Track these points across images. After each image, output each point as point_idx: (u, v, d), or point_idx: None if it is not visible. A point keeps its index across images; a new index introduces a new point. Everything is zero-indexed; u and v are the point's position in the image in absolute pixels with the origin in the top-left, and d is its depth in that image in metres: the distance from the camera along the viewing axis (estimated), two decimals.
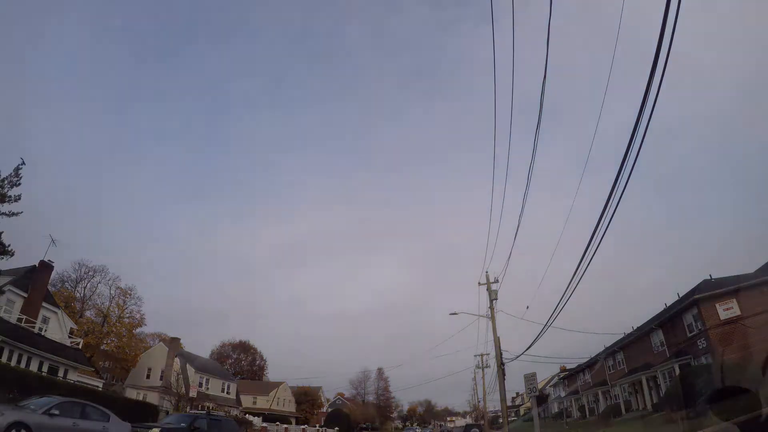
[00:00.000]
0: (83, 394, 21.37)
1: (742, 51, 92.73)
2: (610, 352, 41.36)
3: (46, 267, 30.55)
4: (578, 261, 11.42)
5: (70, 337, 32.51)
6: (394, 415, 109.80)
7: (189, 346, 53.39)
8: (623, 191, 8.12)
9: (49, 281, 33.26)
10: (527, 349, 24.72)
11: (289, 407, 68.88)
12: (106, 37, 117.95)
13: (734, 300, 24.81)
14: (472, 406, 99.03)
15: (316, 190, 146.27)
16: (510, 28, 9.03)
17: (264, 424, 38.55)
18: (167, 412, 30.58)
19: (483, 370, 51.43)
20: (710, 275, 28.55)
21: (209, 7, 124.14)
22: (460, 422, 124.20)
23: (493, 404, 73.73)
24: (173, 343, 45.11)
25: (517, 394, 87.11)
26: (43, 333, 29.06)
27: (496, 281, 26.86)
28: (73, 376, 29.14)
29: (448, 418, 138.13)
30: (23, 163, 20.88)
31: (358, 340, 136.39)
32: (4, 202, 20.09)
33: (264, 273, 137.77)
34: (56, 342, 29.52)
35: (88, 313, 45.93)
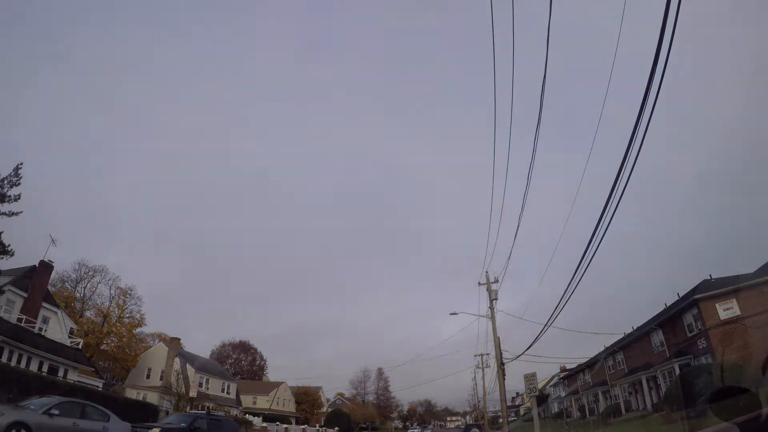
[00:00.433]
0: (83, 394, 21.39)
1: (743, 50, 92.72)
2: (610, 352, 41.36)
3: (46, 267, 30.56)
4: (578, 261, 11.43)
5: (70, 337, 32.51)
6: (394, 415, 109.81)
7: (189, 346, 53.45)
8: (623, 191, 8.12)
9: (49, 281, 33.27)
10: (527, 349, 24.72)
11: (289, 407, 68.88)
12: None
13: (734, 300, 24.81)
14: (472, 406, 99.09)
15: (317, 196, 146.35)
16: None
17: (264, 424, 38.54)
18: (167, 412, 30.58)
19: (483, 370, 51.49)
20: (710, 275, 28.56)
21: None
22: (454, 422, 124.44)
23: (493, 404, 73.80)
24: (173, 343, 45.12)
25: (517, 394, 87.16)
26: (43, 333, 29.07)
27: (496, 281, 26.89)
28: (73, 376, 29.15)
29: (448, 418, 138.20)
30: (22, 164, 20.92)
31: (358, 340, 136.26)
32: (4, 202, 20.11)
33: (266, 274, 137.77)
34: (56, 342, 29.53)
35: (88, 313, 45.96)
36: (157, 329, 56.71)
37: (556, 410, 58.83)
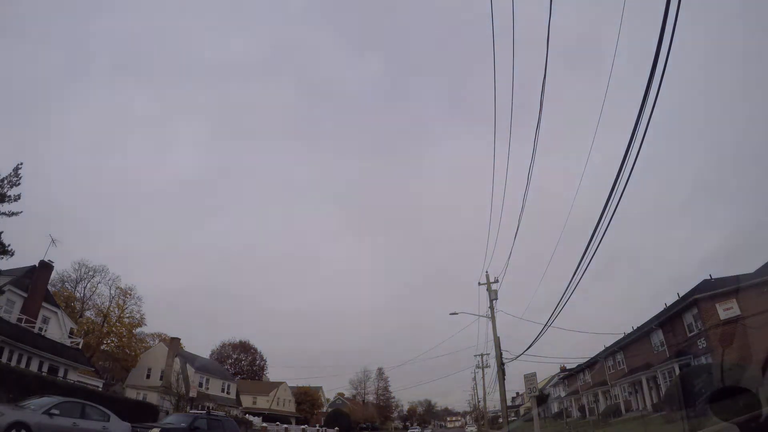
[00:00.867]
0: (83, 394, 21.38)
1: (743, 48, 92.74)
2: (610, 352, 41.36)
3: (46, 267, 30.57)
4: (578, 260, 11.43)
5: (70, 337, 32.52)
6: (394, 415, 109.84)
7: (189, 346, 53.42)
8: (623, 191, 8.12)
9: (49, 281, 33.28)
10: (527, 349, 24.72)
11: (289, 407, 68.87)
12: None
13: (734, 300, 24.78)
14: (472, 406, 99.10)
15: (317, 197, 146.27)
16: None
17: (264, 424, 38.55)
18: (167, 412, 30.58)
19: (483, 370, 51.52)
20: (710, 275, 28.54)
21: None
22: (454, 422, 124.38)
23: (493, 404, 73.82)
24: (173, 343, 45.14)
25: (517, 394, 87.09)
26: (43, 333, 29.08)
27: (496, 281, 26.86)
28: (73, 376, 29.16)
29: (448, 418, 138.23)
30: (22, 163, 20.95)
31: (358, 340, 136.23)
32: (4, 202, 20.13)
33: (266, 275, 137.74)
34: (56, 342, 29.54)
35: (88, 313, 45.94)
36: (157, 329, 56.72)
37: (556, 410, 58.83)
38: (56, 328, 31.43)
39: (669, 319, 30.50)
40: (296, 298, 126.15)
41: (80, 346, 33.27)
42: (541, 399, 51.67)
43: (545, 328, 18.48)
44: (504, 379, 26.02)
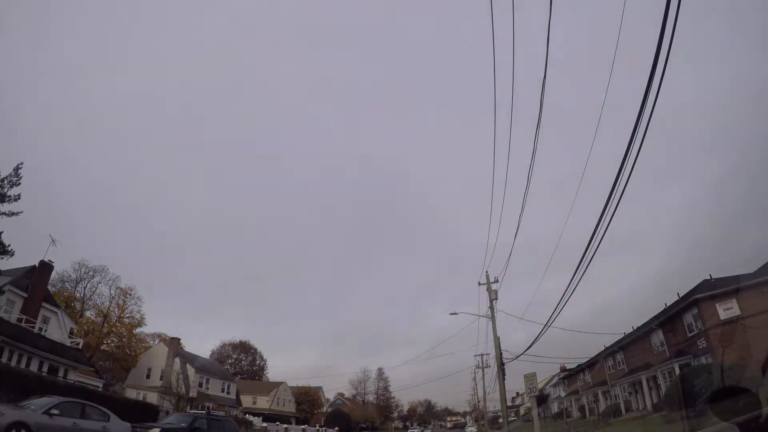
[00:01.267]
0: (83, 394, 21.36)
1: (743, 48, 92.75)
2: (610, 352, 41.37)
3: (46, 267, 30.57)
4: (578, 260, 11.44)
5: (70, 337, 32.52)
6: (394, 415, 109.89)
7: (189, 346, 53.47)
8: (623, 191, 8.13)
9: (49, 281, 33.28)
10: (527, 349, 24.75)
11: (289, 407, 68.89)
12: None
13: (734, 300, 24.80)
14: (472, 406, 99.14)
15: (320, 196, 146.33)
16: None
17: (264, 424, 38.56)
18: (167, 412, 30.58)
19: (483, 370, 51.55)
20: (710, 275, 28.54)
21: None
22: (454, 422, 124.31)
23: (493, 404, 73.89)
24: (173, 343, 45.15)
25: (517, 394, 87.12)
26: (43, 333, 29.08)
27: (496, 281, 26.88)
28: (73, 376, 29.16)
29: (448, 418, 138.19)
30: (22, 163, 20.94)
31: (358, 340, 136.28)
32: (4, 202, 20.12)
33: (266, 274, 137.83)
34: (56, 342, 29.53)
35: (88, 313, 45.96)
36: (157, 329, 56.75)
37: (556, 410, 58.84)
38: (56, 328, 31.43)
39: (669, 319, 30.51)
40: (297, 297, 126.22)
41: (80, 346, 33.26)
42: (541, 399, 51.75)
43: (545, 328, 18.51)
44: (504, 379, 26.03)
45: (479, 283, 28.13)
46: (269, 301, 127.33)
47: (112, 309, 46.36)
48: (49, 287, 33.63)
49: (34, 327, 28.06)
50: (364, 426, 76.36)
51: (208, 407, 37.51)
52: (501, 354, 25.80)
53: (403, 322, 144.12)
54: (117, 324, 45.48)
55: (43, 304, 29.93)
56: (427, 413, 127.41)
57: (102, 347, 44.67)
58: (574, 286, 12.83)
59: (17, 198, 20.50)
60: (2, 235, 20.00)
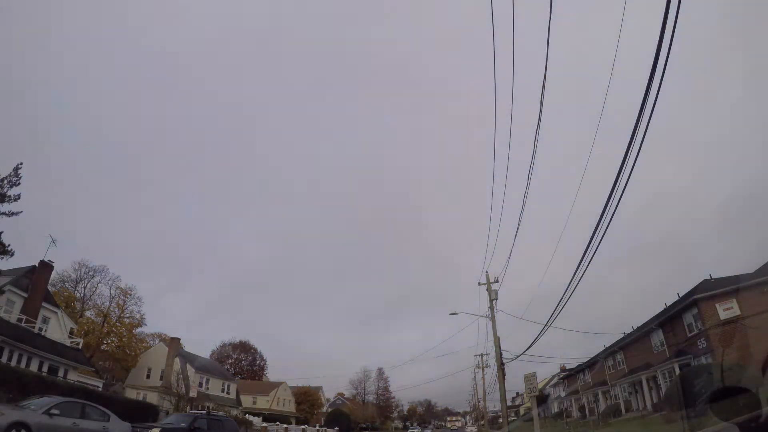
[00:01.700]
0: (83, 394, 21.39)
1: (744, 48, 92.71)
2: (610, 352, 41.39)
3: (46, 267, 30.58)
4: (579, 261, 11.44)
5: (70, 337, 32.53)
6: (394, 415, 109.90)
7: (189, 346, 53.42)
8: (623, 191, 8.13)
9: (49, 281, 33.29)
10: (527, 349, 24.74)
11: (289, 407, 68.90)
12: None
13: (734, 300, 24.82)
14: (472, 406, 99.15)
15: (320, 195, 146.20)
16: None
17: (264, 424, 38.56)
18: (167, 412, 30.58)
19: (483, 370, 51.52)
20: (710, 275, 28.55)
21: None
22: (454, 422, 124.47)
23: (493, 404, 73.85)
24: (173, 343, 45.13)
25: (517, 394, 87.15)
26: (43, 333, 29.08)
27: (496, 281, 26.87)
28: (73, 376, 29.16)
29: (448, 418, 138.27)
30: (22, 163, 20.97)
31: (358, 340, 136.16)
32: (4, 202, 20.16)
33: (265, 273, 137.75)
34: (56, 342, 29.55)
35: (88, 313, 45.95)
36: (157, 329, 56.75)
37: (556, 410, 58.87)
38: (56, 328, 31.44)
39: (669, 319, 30.52)
40: (296, 296, 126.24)
41: (80, 346, 33.26)
42: (541, 399, 51.71)
43: (545, 328, 18.50)
44: (504, 379, 26.03)
45: (479, 283, 28.15)
46: (270, 301, 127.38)
47: (112, 309, 46.39)
48: (49, 287, 33.64)
49: (34, 327, 28.07)
50: (364, 426, 76.36)
51: (208, 407, 37.45)
52: (501, 354, 25.80)
53: (402, 321, 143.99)
54: (117, 324, 45.47)
55: (43, 304, 29.93)
56: (427, 413, 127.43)
57: (102, 347, 44.65)
58: (574, 287, 12.83)
59: (17, 198, 20.55)
60: (2, 235, 20.05)
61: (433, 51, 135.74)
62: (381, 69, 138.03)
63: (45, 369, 26.68)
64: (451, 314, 30.76)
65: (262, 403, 62.18)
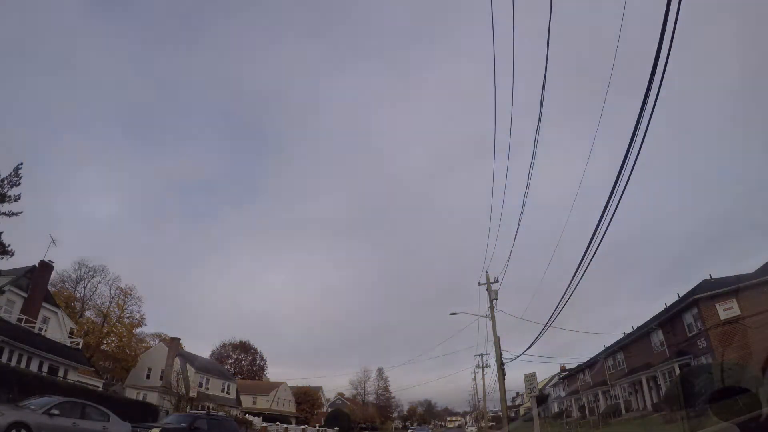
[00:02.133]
0: (83, 394, 21.39)
1: (743, 47, 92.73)
2: (610, 352, 41.36)
3: (46, 267, 30.56)
4: (579, 261, 11.43)
5: (70, 337, 32.52)
6: (394, 415, 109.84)
7: (189, 346, 53.43)
8: (623, 191, 8.12)
9: (49, 281, 33.28)
10: (527, 349, 24.78)
11: (289, 407, 68.87)
12: None
13: (734, 300, 24.82)
14: (472, 406, 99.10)
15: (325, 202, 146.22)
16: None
17: (264, 424, 38.54)
18: (167, 412, 30.58)
19: (483, 370, 51.54)
20: (710, 275, 28.56)
21: None
22: (454, 422, 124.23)
23: (493, 404, 73.78)
24: (173, 343, 45.10)
25: (517, 394, 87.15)
26: (43, 333, 29.07)
27: (496, 281, 26.87)
28: (73, 376, 29.15)
29: (448, 418, 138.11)
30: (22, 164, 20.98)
31: (358, 340, 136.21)
32: (4, 202, 20.16)
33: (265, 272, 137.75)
34: (56, 342, 29.54)
35: (88, 313, 45.97)
36: (157, 329, 56.74)
37: (556, 410, 58.80)
38: (56, 328, 31.43)
39: (669, 319, 30.50)
40: (296, 298, 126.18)
41: (80, 346, 33.25)
42: (541, 399, 51.67)
43: (545, 328, 18.51)
44: (504, 379, 26.03)
45: (479, 283, 28.14)
46: (269, 300, 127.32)
47: (112, 309, 46.40)
48: (49, 287, 33.63)
49: (34, 327, 28.06)
50: (364, 426, 76.31)
51: (208, 407, 37.51)
52: (501, 354, 25.81)
53: (402, 321, 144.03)
54: (117, 324, 45.48)
55: (43, 304, 29.92)
56: (427, 413, 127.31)
57: (102, 347, 44.66)
58: (574, 287, 12.82)
59: (17, 198, 20.56)
60: (2, 235, 20.05)
61: (432, 51, 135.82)
62: (381, 70, 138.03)
63: (45, 369, 26.67)
64: (451, 314, 30.76)
65: (262, 403, 62.15)
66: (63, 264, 48.16)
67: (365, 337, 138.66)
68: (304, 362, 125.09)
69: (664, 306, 33.35)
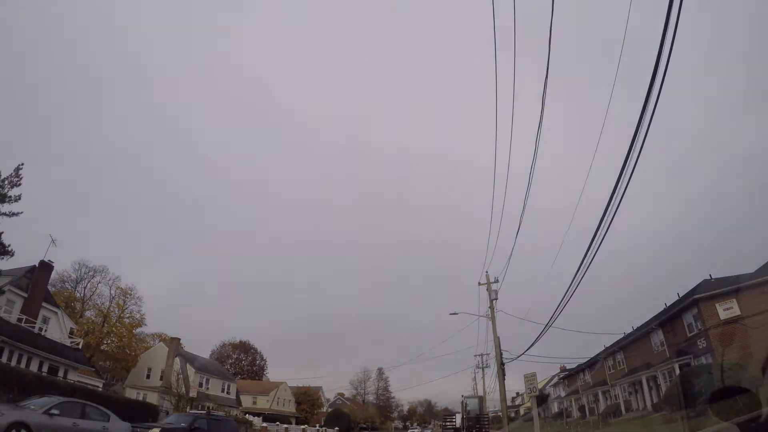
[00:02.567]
0: (83, 394, 21.40)
1: (743, 46, 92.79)
2: (610, 352, 41.40)
3: (46, 267, 30.59)
4: (580, 261, 11.45)
5: (70, 337, 32.55)
6: (394, 415, 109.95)
7: (189, 346, 53.44)
8: (624, 192, 8.14)
9: (49, 281, 33.32)
10: (527, 349, 24.80)
11: (289, 407, 68.93)
12: None
13: (734, 300, 24.83)
14: None
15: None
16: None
17: (264, 424, 38.56)
18: (167, 412, 30.60)
19: (483, 370, 51.64)
20: (710, 275, 28.55)
21: None
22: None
23: (494, 404, 73.78)
24: (173, 343, 45.14)
25: (517, 394, 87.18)
26: (43, 333, 29.09)
27: (497, 281, 26.91)
28: (73, 376, 29.19)
29: (448, 418, 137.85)
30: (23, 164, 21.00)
31: (358, 340, 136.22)
32: (4, 202, 20.18)
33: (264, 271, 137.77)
34: (56, 342, 29.57)
35: (88, 313, 45.98)
36: (157, 329, 56.78)
37: (556, 410, 58.85)
38: (56, 328, 31.46)
39: (669, 319, 30.52)
40: (297, 296, 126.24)
41: (80, 346, 33.29)
42: (541, 399, 51.70)
43: (546, 328, 18.55)
44: (504, 379, 26.05)
45: (479, 283, 28.17)
46: (269, 300, 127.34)
47: (112, 309, 46.43)
48: (49, 287, 33.66)
49: (34, 327, 28.08)
50: (364, 426, 76.38)
51: (208, 407, 37.51)
52: (501, 354, 25.83)
53: (403, 321, 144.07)
54: (117, 324, 45.51)
55: (43, 304, 29.95)
56: (427, 413, 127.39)
57: (102, 347, 44.69)
58: (575, 287, 12.84)
59: (17, 198, 20.57)
60: (2, 235, 20.06)
61: (432, 51, 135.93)
62: (381, 69, 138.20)
63: (45, 369, 26.70)
64: (451, 314, 30.81)
65: (262, 403, 62.21)
66: (63, 264, 48.20)
67: (365, 338, 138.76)
68: (304, 362, 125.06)
69: (664, 306, 33.39)
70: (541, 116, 9.78)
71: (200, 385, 45.45)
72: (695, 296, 26.63)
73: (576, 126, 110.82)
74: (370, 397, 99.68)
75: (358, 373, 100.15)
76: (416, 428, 77.22)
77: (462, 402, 50.17)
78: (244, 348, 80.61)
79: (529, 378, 23.70)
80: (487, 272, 27.52)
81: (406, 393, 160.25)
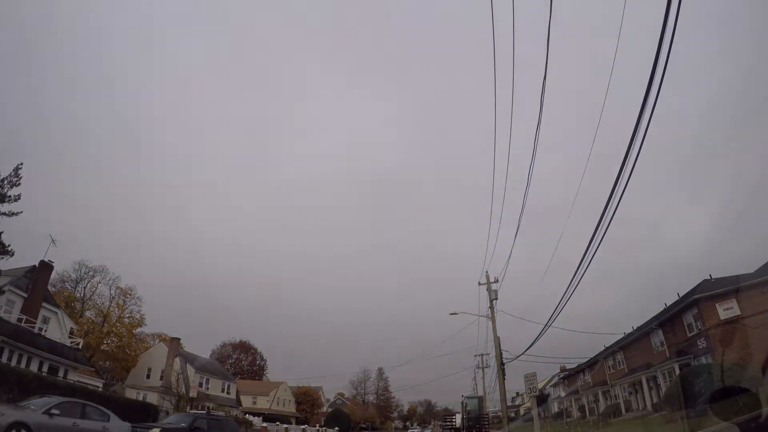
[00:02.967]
0: (83, 394, 21.40)
1: (743, 45, 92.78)
2: (610, 352, 41.38)
3: (46, 267, 30.58)
4: (579, 261, 11.45)
5: (70, 337, 32.55)
6: (394, 415, 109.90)
7: (189, 346, 53.44)
8: (623, 191, 8.14)
9: (49, 281, 33.30)
10: (527, 349, 24.78)
11: (289, 407, 68.91)
12: None
13: (734, 300, 24.80)
14: None
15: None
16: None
17: (264, 424, 38.56)
18: (167, 412, 30.59)
19: (483, 370, 51.62)
20: (710, 275, 28.51)
21: None
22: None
23: (494, 404, 73.75)
24: (173, 343, 45.13)
25: (517, 393, 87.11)
26: (43, 333, 29.09)
27: (496, 281, 26.90)
28: (73, 376, 29.18)
29: (448, 418, 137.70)
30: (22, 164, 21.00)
31: (358, 340, 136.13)
32: (4, 202, 20.18)
33: (265, 272, 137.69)
34: (56, 342, 29.56)
35: (88, 313, 45.97)
36: (157, 329, 56.77)
37: (556, 410, 58.85)
38: (56, 328, 31.46)
39: (669, 319, 30.51)
40: (297, 296, 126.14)
41: (80, 346, 33.29)
42: (541, 399, 51.68)
43: (545, 328, 18.54)
44: (504, 379, 26.04)
45: (479, 283, 28.16)
46: (268, 300, 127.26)
47: (112, 309, 46.43)
48: (49, 287, 33.65)
49: (34, 327, 28.07)
50: (364, 426, 76.38)
51: (208, 407, 37.50)
52: (501, 354, 25.82)
53: (402, 321, 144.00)
54: (117, 324, 45.50)
55: (43, 304, 29.94)
56: (427, 413, 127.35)
57: (102, 347, 44.69)
58: (574, 287, 12.84)
59: (17, 198, 20.58)
60: (2, 235, 20.06)
61: (432, 51, 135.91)
62: (380, 69, 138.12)
63: (45, 369, 26.70)
64: (451, 314, 30.79)
65: (262, 403, 62.18)
66: (63, 264, 48.17)
67: (365, 338, 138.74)
68: (304, 362, 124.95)
69: (664, 306, 33.37)
70: (540, 117, 9.78)
71: (200, 385, 45.44)
72: (695, 296, 26.61)
73: (576, 126, 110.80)
74: (370, 397, 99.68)
75: (358, 373, 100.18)
76: (416, 428, 77.15)
77: (462, 402, 50.08)
78: (244, 348, 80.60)
79: (529, 378, 23.70)
80: (487, 272, 27.53)
81: (406, 393, 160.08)
